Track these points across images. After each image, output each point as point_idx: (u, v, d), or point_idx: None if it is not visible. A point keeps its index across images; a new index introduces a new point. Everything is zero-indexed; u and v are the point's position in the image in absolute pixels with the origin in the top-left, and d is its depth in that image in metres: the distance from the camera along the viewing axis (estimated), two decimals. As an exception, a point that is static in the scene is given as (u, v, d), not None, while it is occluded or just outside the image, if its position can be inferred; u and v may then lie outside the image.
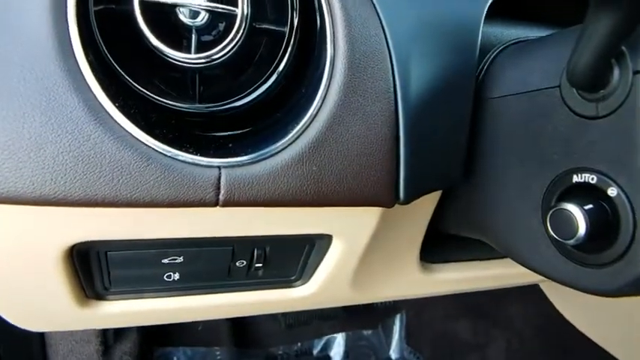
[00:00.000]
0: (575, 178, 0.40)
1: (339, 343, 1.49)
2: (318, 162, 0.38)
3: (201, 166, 0.36)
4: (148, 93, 0.38)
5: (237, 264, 0.49)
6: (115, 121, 0.34)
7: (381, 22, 0.43)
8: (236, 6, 0.37)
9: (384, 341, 1.52)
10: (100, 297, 0.48)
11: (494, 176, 0.48)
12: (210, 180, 0.36)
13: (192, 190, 0.35)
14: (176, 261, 0.46)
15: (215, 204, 0.36)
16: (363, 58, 0.41)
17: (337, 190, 0.39)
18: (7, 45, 0.33)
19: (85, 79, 0.34)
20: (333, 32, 0.40)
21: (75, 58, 0.34)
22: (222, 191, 0.36)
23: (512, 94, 0.45)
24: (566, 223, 0.38)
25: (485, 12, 0.47)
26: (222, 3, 0.37)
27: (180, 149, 0.36)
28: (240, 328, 1.32)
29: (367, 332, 1.53)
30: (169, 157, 0.35)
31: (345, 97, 0.39)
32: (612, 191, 0.37)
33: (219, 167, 0.36)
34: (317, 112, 0.39)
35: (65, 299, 0.44)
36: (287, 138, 0.38)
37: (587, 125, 0.39)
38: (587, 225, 0.36)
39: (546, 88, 0.42)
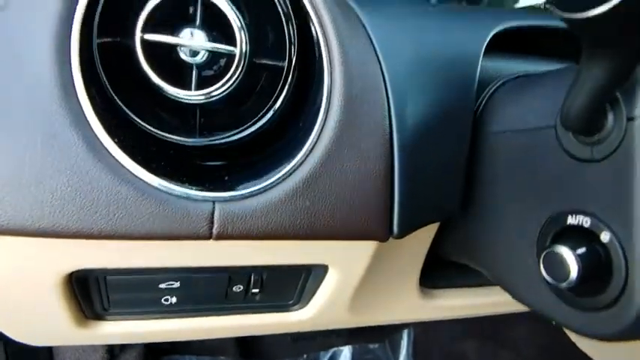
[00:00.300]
0: (570, 220, 0.39)
1: (345, 355, 1.48)
2: (312, 197, 0.39)
3: (196, 200, 0.37)
4: (148, 127, 0.39)
5: (234, 289, 0.50)
6: (113, 157, 0.35)
7: (377, 57, 0.43)
8: (235, 45, 0.38)
9: (391, 356, 1.52)
10: (99, 317, 0.49)
11: (492, 209, 0.48)
12: (204, 214, 0.37)
13: (186, 223, 0.36)
14: (173, 286, 0.47)
15: (209, 237, 0.37)
16: (360, 94, 0.41)
17: (330, 225, 0.40)
18: (11, 80, 0.34)
19: (85, 117, 0.35)
20: (330, 68, 0.41)
21: (77, 96, 0.35)
22: (215, 225, 0.37)
23: (510, 130, 0.45)
24: (558, 266, 0.37)
25: (484, 47, 0.47)
26: (221, 41, 0.39)
27: (176, 183, 0.37)
28: (246, 339, 1.32)
29: (374, 346, 1.53)
30: (165, 191, 0.36)
31: (340, 132, 0.40)
32: (605, 236, 0.37)
33: (213, 201, 0.37)
34: (312, 148, 0.40)
35: (65, 320, 0.45)
36: (282, 173, 0.39)
37: (583, 167, 0.39)
38: (579, 269, 0.36)
39: (542, 128, 0.42)
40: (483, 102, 0.49)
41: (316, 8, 0.41)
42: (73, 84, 0.35)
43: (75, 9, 0.36)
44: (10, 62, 0.35)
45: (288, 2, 0.41)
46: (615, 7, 0.26)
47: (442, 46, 0.46)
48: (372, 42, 0.44)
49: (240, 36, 0.38)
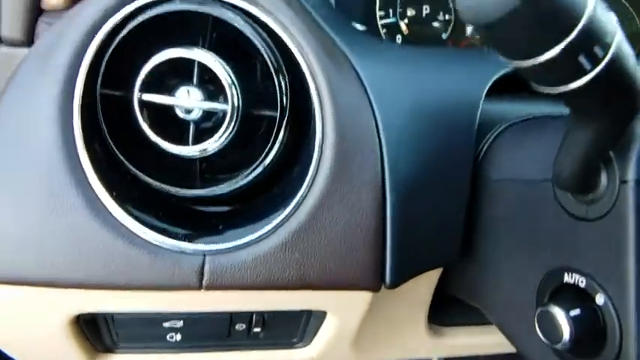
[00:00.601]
0: (567, 278, 0.38)
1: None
2: (301, 249, 0.40)
3: (187, 253, 0.38)
4: (150, 181, 0.41)
5: (236, 327, 0.51)
6: (111, 215, 0.37)
7: (371, 105, 0.44)
8: (226, 102, 0.39)
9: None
10: (109, 350, 0.52)
11: (493, 256, 0.47)
12: (195, 267, 0.38)
13: (177, 275, 0.38)
14: (176, 325, 0.48)
15: (199, 288, 0.39)
16: (352, 145, 0.42)
17: (320, 277, 0.40)
18: (17, 141, 0.37)
19: (86, 177, 0.37)
20: (322, 119, 0.41)
21: (78, 157, 0.37)
22: (205, 277, 0.38)
23: (509, 179, 0.45)
24: (552, 326, 0.36)
25: (485, 92, 0.46)
26: (218, 96, 0.40)
27: (170, 237, 0.39)
28: None
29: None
30: (159, 246, 0.38)
31: (331, 185, 0.41)
32: (600, 299, 0.35)
33: (204, 254, 0.39)
34: (302, 200, 0.40)
35: (75, 355, 0.48)
36: (272, 225, 0.40)
37: (579, 225, 0.37)
38: (571, 332, 0.35)
39: (540, 181, 0.41)
40: (485, 148, 0.48)
41: (307, 59, 0.42)
42: (75, 145, 0.38)
43: (78, 70, 0.39)
44: (15, 123, 0.38)
45: (278, 55, 0.42)
46: (591, 80, 0.26)
47: (439, 92, 0.46)
48: (365, 89, 0.44)
49: (232, 92, 0.39)
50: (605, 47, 0.25)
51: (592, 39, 0.24)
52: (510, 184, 0.44)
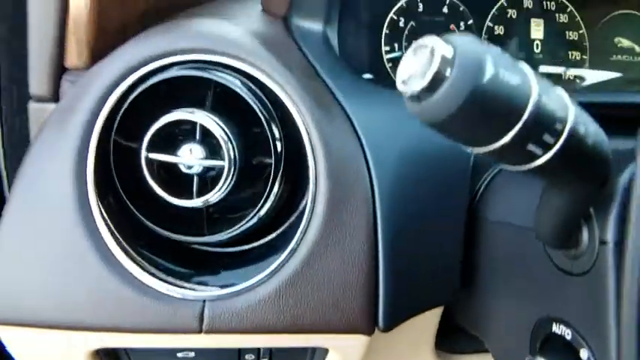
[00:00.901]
0: (555, 328, 0.39)
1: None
2: (295, 296, 0.42)
3: (188, 299, 0.42)
4: (160, 230, 0.45)
5: (246, 357, 0.54)
6: (121, 264, 0.41)
7: (364, 153, 0.45)
8: (223, 159, 0.42)
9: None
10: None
11: (492, 294, 0.48)
12: (196, 313, 0.41)
13: (180, 320, 0.41)
14: (189, 355, 0.52)
15: (199, 332, 0.42)
16: (344, 194, 0.43)
17: (313, 322, 0.43)
18: (39, 193, 0.42)
19: (97, 228, 0.41)
20: (315, 169, 0.43)
21: (92, 212, 0.41)
22: (205, 322, 0.42)
23: (504, 222, 0.45)
24: None
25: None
26: (216, 152, 0.43)
27: (174, 284, 0.42)
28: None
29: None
30: (162, 292, 0.41)
31: (323, 233, 0.43)
32: (584, 354, 0.35)
33: (204, 301, 0.42)
34: (296, 247, 0.43)
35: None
36: (267, 272, 0.42)
37: (565, 278, 0.38)
38: None
39: (530, 229, 0.41)
40: (481, 189, 0.48)
41: (300, 112, 0.44)
42: (88, 198, 0.42)
43: (94, 126, 0.43)
44: (38, 176, 0.42)
45: (271, 108, 0.44)
46: (545, 163, 0.27)
47: (432, 136, 0.46)
48: (358, 137, 0.46)
49: (228, 148, 0.42)
50: (556, 133, 0.25)
51: (539, 129, 0.25)
52: (505, 227, 0.45)
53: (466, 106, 0.23)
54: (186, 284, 0.43)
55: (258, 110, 0.43)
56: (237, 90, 0.43)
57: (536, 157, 0.26)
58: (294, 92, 0.44)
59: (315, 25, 0.55)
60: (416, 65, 0.24)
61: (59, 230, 0.41)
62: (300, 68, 0.48)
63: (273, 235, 0.47)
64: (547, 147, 0.26)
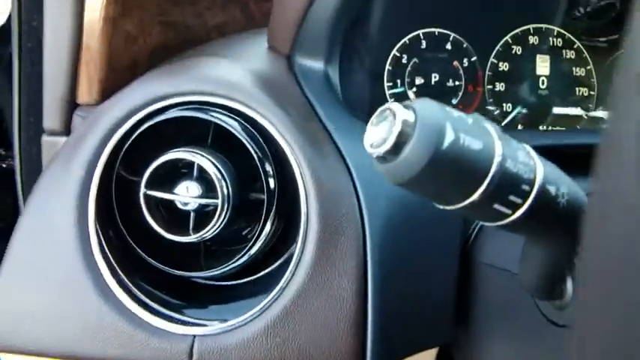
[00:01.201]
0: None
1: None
2: (283, 335, 0.43)
3: (179, 335, 0.43)
4: (159, 265, 0.46)
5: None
6: (118, 299, 0.43)
7: (356, 193, 0.46)
8: (217, 197, 0.44)
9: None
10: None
11: (485, 337, 0.47)
12: (185, 348, 0.42)
13: (169, 355, 0.42)
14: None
15: (189, 367, 0.43)
16: (335, 234, 0.44)
17: (300, 361, 0.43)
18: (43, 225, 0.44)
19: (96, 262, 0.43)
20: (307, 207, 0.44)
21: (92, 249, 0.43)
22: (194, 357, 0.42)
23: (496, 266, 0.45)
24: None
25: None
26: (213, 189, 0.45)
27: (166, 320, 0.43)
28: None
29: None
30: (155, 326, 0.43)
31: (313, 272, 0.43)
32: None
33: (194, 336, 0.43)
34: (286, 285, 0.43)
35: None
36: (256, 309, 0.43)
37: (553, 329, 0.37)
38: None
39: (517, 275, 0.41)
40: (475, 231, 0.48)
41: (294, 152, 0.45)
42: (89, 235, 0.44)
43: (97, 162, 0.45)
44: (43, 209, 0.44)
45: (264, 145, 0.46)
46: (514, 221, 0.27)
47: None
48: (350, 174, 0.46)
49: (221, 186, 0.43)
50: (523, 194, 0.26)
51: (504, 191, 0.25)
52: (498, 271, 0.45)
53: (427, 169, 0.23)
54: (179, 316, 0.44)
55: (251, 149, 0.45)
56: (233, 131, 0.45)
57: (505, 215, 0.26)
58: (288, 132, 0.45)
59: (316, 64, 0.57)
60: (381, 129, 0.25)
61: (60, 263, 0.43)
62: (297, 108, 0.50)
63: (265, 271, 0.48)
64: (515, 207, 0.26)
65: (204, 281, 0.50)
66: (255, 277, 0.48)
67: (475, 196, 0.25)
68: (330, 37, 0.56)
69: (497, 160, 0.24)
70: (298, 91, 0.54)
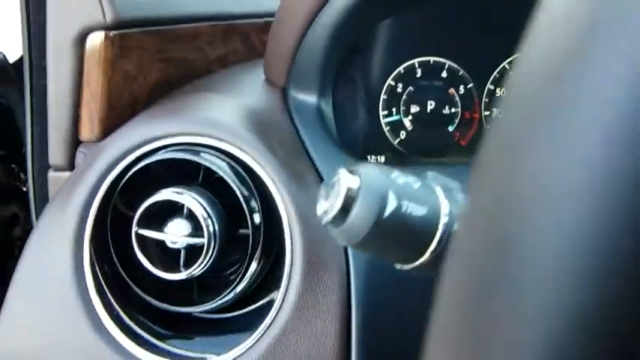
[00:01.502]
0: None
1: None
2: (267, 374, 0.44)
3: None
4: (152, 301, 0.48)
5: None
6: (111, 334, 0.45)
7: None
8: (202, 237, 0.45)
9: None
10: None
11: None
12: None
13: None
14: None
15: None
16: (319, 272, 0.45)
17: (284, 399, 0.44)
18: (42, 260, 0.46)
19: (91, 299, 0.45)
20: (292, 246, 0.45)
21: (86, 282, 0.45)
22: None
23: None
24: None
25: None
26: (199, 227, 0.46)
27: (158, 352, 0.45)
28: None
29: None
30: None
31: (297, 311, 0.44)
32: None
33: None
34: (271, 323, 0.44)
35: None
36: (242, 346, 0.44)
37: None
38: None
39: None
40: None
41: (280, 192, 0.46)
42: (84, 272, 0.46)
43: (94, 198, 0.48)
44: (43, 244, 0.47)
45: (249, 182, 0.47)
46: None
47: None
48: None
49: (207, 225, 0.45)
50: None
51: None
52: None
53: (370, 236, 0.24)
54: (173, 350, 0.46)
55: (237, 189, 0.46)
56: (220, 172, 0.46)
57: None
58: (273, 170, 0.46)
59: (309, 97, 0.58)
60: (329, 196, 0.25)
61: (57, 300, 0.45)
62: (286, 144, 0.51)
63: (252, 307, 0.49)
64: None
65: (199, 314, 0.51)
66: (247, 310, 0.49)
67: (425, 257, 0.25)
68: (322, 70, 0.57)
69: (443, 221, 0.25)
70: (290, 125, 0.55)
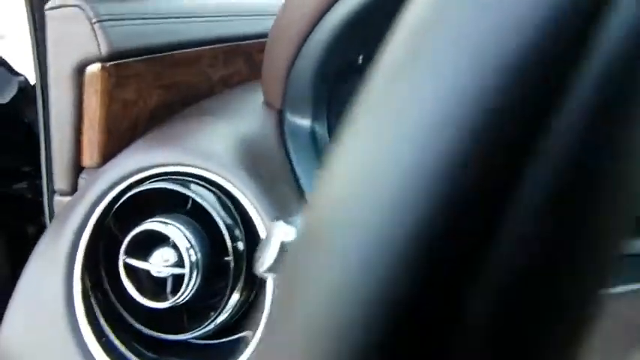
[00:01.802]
0: None
1: None
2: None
3: None
4: (142, 328, 0.49)
5: None
6: None
7: None
8: (183, 267, 0.45)
9: None
10: None
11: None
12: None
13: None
14: None
15: None
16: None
17: None
18: (36, 285, 0.48)
19: (79, 328, 0.46)
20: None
21: (75, 310, 0.47)
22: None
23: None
24: None
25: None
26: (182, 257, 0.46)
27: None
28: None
29: None
30: None
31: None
32: None
33: None
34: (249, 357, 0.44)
35: None
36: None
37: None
38: None
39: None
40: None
41: (260, 215, 0.46)
42: (74, 300, 0.47)
43: (88, 222, 0.49)
44: (39, 267, 0.49)
45: (234, 211, 0.47)
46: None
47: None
48: None
49: (189, 255, 0.45)
50: None
51: None
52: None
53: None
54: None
55: (220, 219, 0.46)
56: (204, 203, 0.47)
57: None
58: (255, 198, 0.46)
59: (304, 121, 0.58)
60: (265, 249, 0.25)
61: (49, 327, 0.47)
62: (274, 172, 0.50)
63: (235, 336, 0.49)
64: None
65: (193, 340, 0.51)
66: (236, 336, 0.49)
67: None
68: (314, 92, 0.57)
69: None
70: (282, 151, 0.55)
